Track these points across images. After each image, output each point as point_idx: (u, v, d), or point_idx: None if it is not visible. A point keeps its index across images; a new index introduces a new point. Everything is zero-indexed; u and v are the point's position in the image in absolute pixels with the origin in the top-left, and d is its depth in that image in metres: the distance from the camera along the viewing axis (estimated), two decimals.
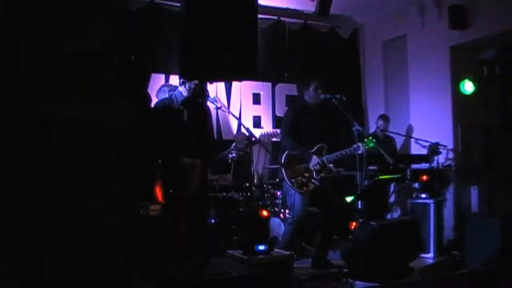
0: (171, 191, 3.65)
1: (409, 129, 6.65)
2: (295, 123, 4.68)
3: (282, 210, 5.38)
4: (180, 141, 3.81)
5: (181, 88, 4.41)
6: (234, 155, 5.06)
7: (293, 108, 5.03)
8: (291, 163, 4.59)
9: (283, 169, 4.57)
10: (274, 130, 4.94)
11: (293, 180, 4.54)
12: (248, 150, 5.01)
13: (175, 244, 3.68)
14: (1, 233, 1.45)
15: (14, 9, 1.48)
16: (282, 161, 4.59)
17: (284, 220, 5.13)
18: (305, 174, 4.56)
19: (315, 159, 4.58)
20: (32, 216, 1.48)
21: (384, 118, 6.34)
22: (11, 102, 1.47)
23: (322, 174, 4.64)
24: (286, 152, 4.62)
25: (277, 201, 5.45)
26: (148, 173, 3.56)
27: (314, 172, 4.59)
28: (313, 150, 4.64)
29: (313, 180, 4.57)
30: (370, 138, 4.74)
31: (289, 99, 6.66)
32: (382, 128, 6.22)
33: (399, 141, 6.73)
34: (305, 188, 4.55)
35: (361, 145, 4.54)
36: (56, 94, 1.54)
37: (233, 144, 5.12)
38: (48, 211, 1.50)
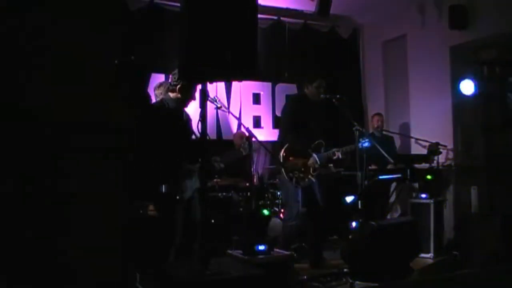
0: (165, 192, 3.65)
1: (409, 129, 6.65)
2: (295, 117, 4.68)
3: (282, 210, 5.39)
4: (181, 142, 3.80)
5: (173, 95, 3.98)
6: (222, 165, 5.02)
7: (292, 102, 5.02)
8: (289, 157, 4.59)
9: (281, 163, 4.58)
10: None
11: (290, 174, 4.54)
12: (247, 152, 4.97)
13: (175, 244, 3.69)
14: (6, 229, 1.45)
15: (17, 11, 1.48)
16: (281, 154, 4.59)
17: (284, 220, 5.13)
18: (302, 169, 4.57)
19: (314, 157, 4.58)
20: (31, 216, 1.48)
21: (379, 115, 6.36)
22: (13, 103, 1.47)
23: (318, 172, 4.65)
24: (286, 146, 4.61)
25: (277, 201, 5.45)
26: (148, 173, 3.56)
27: (311, 169, 4.60)
28: (312, 146, 4.64)
29: (309, 176, 4.58)
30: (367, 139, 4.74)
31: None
32: (378, 125, 6.23)
33: (399, 141, 6.74)
34: (301, 183, 4.56)
35: (364, 141, 4.55)
36: (57, 95, 1.54)
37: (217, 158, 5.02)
38: (47, 212, 1.50)
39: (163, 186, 3.65)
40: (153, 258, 3.50)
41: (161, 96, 4.25)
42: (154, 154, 3.53)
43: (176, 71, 3.92)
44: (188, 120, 4.12)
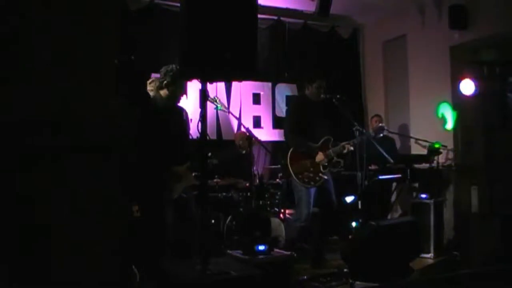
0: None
1: (409, 129, 6.65)
2: (298, 119, 4.68)
3: (282, 210, 5.38)
4: (169, 142, 3.79)
5: (162, 92, 3.87)
6: (214, 162, 4.99)
7: (296, 104, 5.03)
8: (297, 159, 4.59)
9: (289, 166, 4.58)
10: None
11: (300, 175, 4.54)
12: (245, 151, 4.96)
13: (168, 244, 3.69)
14: (2, 233, 1.45)
15: (13, 9, 1.48)
16: (288, 157, 4.59)
17: (283, 220, 5.13)
18: (311, 169, 4.56)
19: (321, 155, 4.58)
20: (31, 217, 1.48)
21: (378, 116, 6.36)
22: (11, 103, 1.47)
23: (328, 168, 4.64)
24: (292, 148, 4.61)
25: (277, 201, 5.45)
26: (134, 173, 3.53)
27: (321, 166, 4.59)
28: (319, 143, 4.64)
29: (320, 174, 4.57)
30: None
31: (289, 99, 6.66)
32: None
33: (398, 141, 6.74)
34: (312, 183, 4.55)
35: (371, 132, 4.55)
36: (56, 94, 1.54)
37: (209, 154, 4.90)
38: (46, 212, 1.50)
39: (149, 186, 3.64)
40: (153, 258, 3.50)
41: (152, 93, 4.27)
42: (141, 154, 3.51)
43: (163, 68, 3.93)
44: (181, 116, 4.10)
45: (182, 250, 3.77)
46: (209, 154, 4.81)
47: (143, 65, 5.53)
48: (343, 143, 4.60)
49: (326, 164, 4.61)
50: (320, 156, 4.58)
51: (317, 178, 4.56)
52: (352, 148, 4.59)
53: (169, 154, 3.75)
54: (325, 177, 4.57)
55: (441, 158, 5.75)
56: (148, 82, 4.57)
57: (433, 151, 5.57)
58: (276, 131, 6.56)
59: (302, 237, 4.80)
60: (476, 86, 5.75)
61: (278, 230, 4.93)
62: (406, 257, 4.14)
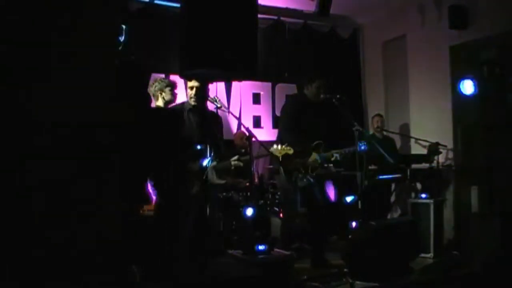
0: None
1: (409, 129, 6.65)
2: (294, 117, 4.67)
3: (282, 210, 5.39)
4: (181, 143, 3.82)
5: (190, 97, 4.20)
6: (236, 162, 4.99)
7: (292, 103, 5.02)
8: (288, 157, 4.58)
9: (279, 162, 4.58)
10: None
11: (288, 174, 4.54)
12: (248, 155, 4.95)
13: (178, 245, 3.69)
14: (3, 234, 1.45)
15: (14, 11, 1.48)
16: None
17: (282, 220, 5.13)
18: (301, 168, 4.56)
19: (314, 155, 4.58)
20: (32, 216, 1.48)
21: (379, 116, 6.36)
22: (11, 103, 1.47)
23: (316, 171, 4.64)
24: (285, 145, 4.61)
25: (277, 201, 5.45)
26: (144, 174, 3.55)
27: (310, 168, 4.59)
28: (311, 146, 4.64)
29: (308, 177, 4.57)
30: (365, 141, 4.70)
31: (287, 98, 6.65)
32: (379, 125, 6.23)
33: (399, 141, 6.74)
34: (299, 183, 4.55)
35: (362, 144, 4.53)
36: (56, 95, 1.54)
37: (236, 157, 4.96)
38: (47, 212, 1.50)
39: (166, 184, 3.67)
40: (153, 258, 3.50)
41: (156, 93, 4.44)
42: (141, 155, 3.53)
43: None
44: (216, 119, 4.22)
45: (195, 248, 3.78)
46: (237, 156, 4.85)
47: (143, 65, 5.53)
48: (332, 151, 4.62)
49: (317, 166, 4.61)
50: (313, 156, 4.58)
51: (305, 180, 4.56)
52: (339, 158, 4.62)
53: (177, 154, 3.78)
54: (312, 180, 4.57)
55: (441, 158, 5.75)
56: (151, 83, 4.63)
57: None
58: (276, 131, 6.55)
59: (298, 236, 4.81)
60: (476, 86, 5.75)
61: (278, 230, 4.93)
62: (406, 257, 4.14)
